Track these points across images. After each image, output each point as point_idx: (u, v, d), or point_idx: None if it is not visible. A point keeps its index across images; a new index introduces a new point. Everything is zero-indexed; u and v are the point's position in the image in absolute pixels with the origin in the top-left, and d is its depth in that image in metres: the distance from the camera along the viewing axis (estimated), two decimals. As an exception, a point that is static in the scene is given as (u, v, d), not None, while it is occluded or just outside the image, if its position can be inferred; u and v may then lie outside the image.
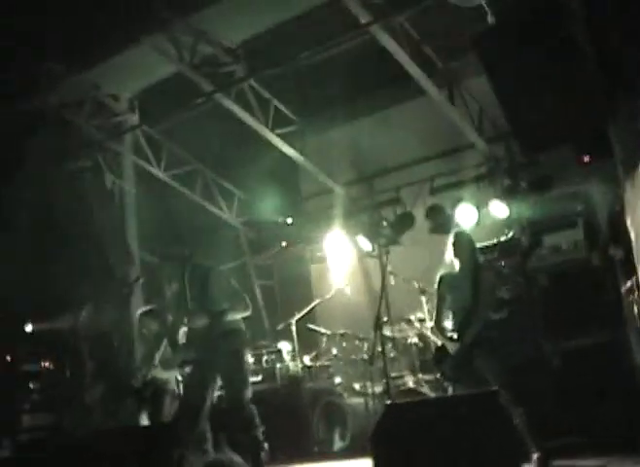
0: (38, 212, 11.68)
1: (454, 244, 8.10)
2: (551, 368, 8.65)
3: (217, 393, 8.00)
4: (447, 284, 8.11)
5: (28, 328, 12.37)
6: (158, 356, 9.47)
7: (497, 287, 7.76)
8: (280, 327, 12.12)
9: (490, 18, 8.59)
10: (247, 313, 7.90)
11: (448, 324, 8.11)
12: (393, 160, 12.91)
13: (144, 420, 9.52)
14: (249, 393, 7.72)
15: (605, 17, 6.92)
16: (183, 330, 8.11)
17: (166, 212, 13.49)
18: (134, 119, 12.74)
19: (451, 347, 7.82)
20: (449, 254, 8.16)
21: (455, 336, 7.82)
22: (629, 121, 7.46)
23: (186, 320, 7.91)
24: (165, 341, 9.38)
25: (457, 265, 8.07)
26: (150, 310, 9.99)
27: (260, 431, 7.66)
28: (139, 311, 10.25)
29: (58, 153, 12.04)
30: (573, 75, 7.36)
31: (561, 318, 8.72)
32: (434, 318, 8.31)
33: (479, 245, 8.66)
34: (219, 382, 7.80)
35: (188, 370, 8.24)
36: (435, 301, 8.42)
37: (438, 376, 8.65)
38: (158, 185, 13.38)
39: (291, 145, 12.51)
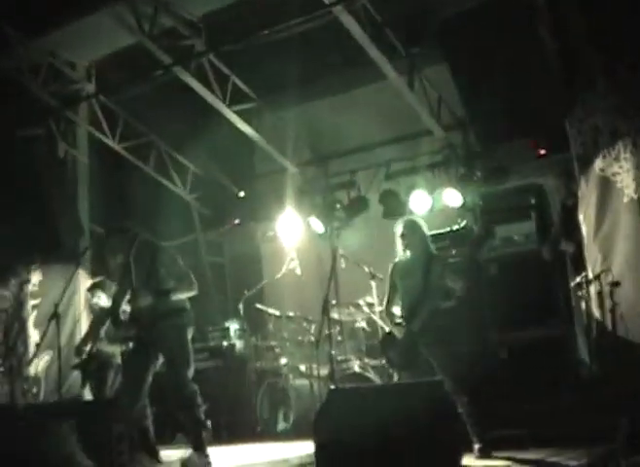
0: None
1: (405, 232, 8.07)
2: (497, 359, 8.72)
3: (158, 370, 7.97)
4: (399, 271, 8.10)
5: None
6: (103, 329, 9.43)
7: (447, 276, 7.75)
8: (228, 305, 12.14)
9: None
10: (193, 293, 7.85)
11: (397, 310, 8.13)
12: (349, 142, 12.89)
13: (87, 394, 9.48)
14: (191, 372, 7.66)
15: (569, 14, 6.95)
16: (125, 306, 8.06)
17: (119, 184, 13.40)
18: (91, 88, 12.59)
19: (399, 334, 7.83)
20: (398, 241, 8.15)
21: (403, 322, 7.83)
22: (586, 116, 7.51)
23: (129, 298, 7.84)
24: (110, 316, 9.37)
25: (408, 252, 8.05)
26: (99, 282, 9.94)
27: (201, 410, 7.63)
28: (89, 283, 10.20)
29: (11, 119, 11.86)
30: (534, 68, 7.40)
31: (509, 310, 8.80)
32: (384, 303, 8.30)
33: (430, 233, 8.68)
34: (160, 360, 7.75)
35: (130, 346, 8.18)
36: (385, 286, 8.42)
37: (384, 361, 8.65)
38: (111, 156, 13.25)
39: (247, 122, 12.44)
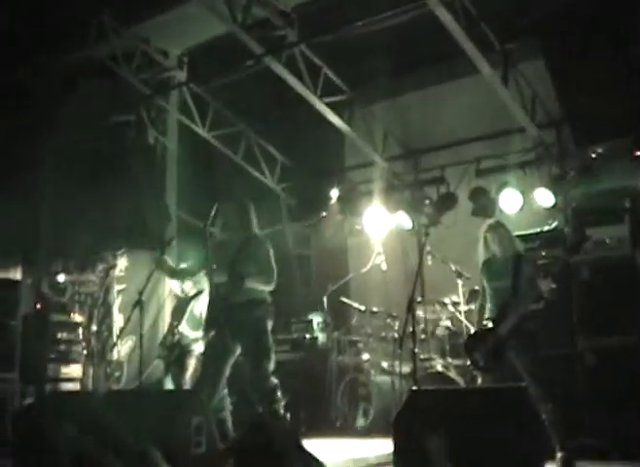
0: (80, 163, 11.67)
1: (491, 236, 7.94)
2: (585, 365, 8.53)
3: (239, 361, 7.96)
4: (487, 272, 8.00)
5: (60, 278, 12.38)
6: (187, 315, 9.48)
7: (537, 278, 7.60)
8: (313, 297, 12.11)
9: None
10: (269, 288, 7.84)
11: (488, 311, 8.01)
12: (440, 138, 12.74)
13: (169, 382, 9.52)
14: (271, 365, 7.67)
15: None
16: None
17: (207, 173, 13.44)
18: (182, 76, 12.67)
19: (486, 336, 7.71)
20: (481, 244, 8.04)
21: (491, 324, 7.70)
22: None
23: (206, 273, 7.90)
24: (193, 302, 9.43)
25: (496, 253, 7.93)
26: (184, 269, 9.99)
27: (280, 405, 7.62)
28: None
29: (104, 105, 11.98)
30: (634, 66, 7.19)
31: (599, 315, 8.58)
32: (477, 303, 8.20)
33: (520, 233, 8.51)
34: (239, 351, 7.74)
35: (211, 335, 8.19)
36: (472, 286, 8.31)
37: (467, 362, 8.52)
38: (200, 145, 13.29)
39: (338, 114, 12.33)
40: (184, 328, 9.50)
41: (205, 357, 8.35)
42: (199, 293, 9.40)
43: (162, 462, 5.13)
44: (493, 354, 7.57)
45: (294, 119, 12.92)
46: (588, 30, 8.00)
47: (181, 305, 9.82)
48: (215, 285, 7.99)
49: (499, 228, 8.00)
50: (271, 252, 7.90)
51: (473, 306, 9.27)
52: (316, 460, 5.88)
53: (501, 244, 7.86)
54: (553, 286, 7.57)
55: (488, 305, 7.98)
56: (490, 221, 8.28)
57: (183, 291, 9.82)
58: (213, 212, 8.02)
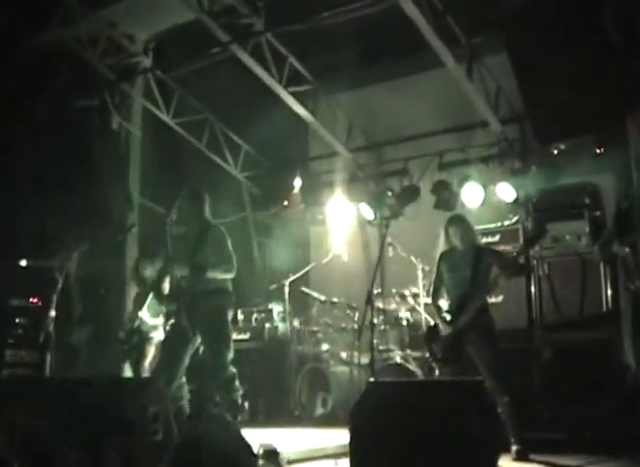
0: (41, 147, 11.57)
1: (452, 228, 7.99)
2: (541, 359, 8.61)
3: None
4: (447, 262, 8.03)
5: (22, 263, 12.28)
6: (147, 302, 9.46)
7: (495, 272, 7.65)
8: (273, 287, 12.10)
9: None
10: (229, 276, 7.84)
11: (443, 304, 8.05)
12: (404, 130, 12.74)
13: (127, 369, 9.49)
14: (230, 354, 7.68)
15: (636, 8, 6.77)
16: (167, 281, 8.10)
17: (171, 160, 13.37)
18: (147, 62, 12.57)
19: (444, 328, 7.75)
20: (442, 237, 8.08)
21: (449, 317, 7.74)
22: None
23: (167, 267, 7.88)
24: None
25: (457, 245, 7.97)
26: (145, 255, 9.97)
27: (239, 394, 7.63)
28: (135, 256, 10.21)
29: (67, 89, 11.87)
30: (598, 63, 7.23)
31: (556, 310, 8.66)
32: (431, 295, 8.24)
33: (482, 227, 8.56)
34: (199, 340, 7.74)
35: (171, 322, 8.20)
36: (433, 277, 8.34)
37: (427, 354, 8.57)
38: (164, 132, 13.23)
39: (303, 104, 12.35)
40: (144, 315, 9.48)
41: (165, 345, 8.34)
42: (161, 280, 9.37)
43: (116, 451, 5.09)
44: (451, 347, 7.63)
45: (259, 107, 12.88)
46: (553, 25, 8.03)
47: (142, 291, 9.79)
48: (175, 276, 7.98)
49: (461, 221, 8.04)
50: (229, 240, 7.89)
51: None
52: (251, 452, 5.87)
53: (462, 237, 7.90)
54: (511, 281, 7.63)
55: (446, 297, 8.03)
56: (452, 214, 8.33)
57: (145, 278, 9.80)
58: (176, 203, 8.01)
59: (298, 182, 13.37)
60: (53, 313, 9.14)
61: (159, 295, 9.35)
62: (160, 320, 9.45)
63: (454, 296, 7.86)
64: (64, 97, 11.87)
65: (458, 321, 7.60)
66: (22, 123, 11.22)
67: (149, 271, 9.76)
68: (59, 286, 9.32)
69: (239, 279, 8.02)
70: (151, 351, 9.48)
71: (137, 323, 9.46)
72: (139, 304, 9.59)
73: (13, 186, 11.13)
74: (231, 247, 7.87)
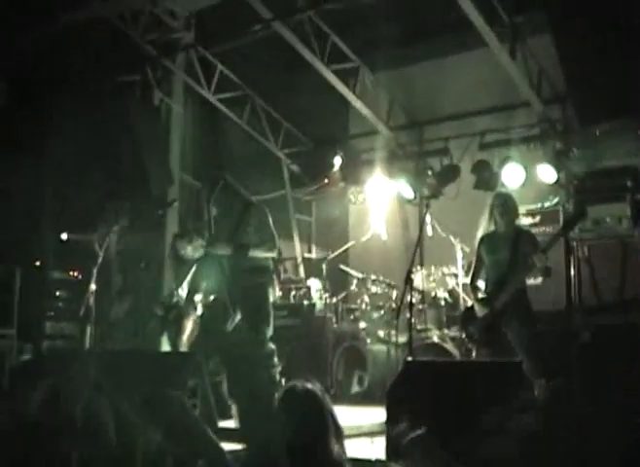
0: (84, 122, 11.63)
1: (497, 205, 7.98)
2: (580, 342, 8.57)
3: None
4: (487, 245, 8.02)
5: (63, 236, 12.40)
6: (187, 280, 9.50)
7: (536, 254, 7.62)
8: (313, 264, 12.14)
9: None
10: (272, 255, 7.89)
11: (482, 285, 8.05)
12: (446, 109, 12.70)
13: (165, 343, 9.56)
14: (269, 331, 7.73)
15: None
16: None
17: (211, 136, 13.42)
18: (190, 37, 12.59)
19: (481, 309, 7.76)
20: (487, 213, 8.07)
21: (486, 298, 7.75)
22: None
23: (209, 246, 7.91)
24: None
25: (498, 225, 7.96)
26: (184, 233, 10.00)
27: (277, 370, 7.68)
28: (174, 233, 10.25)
29: (110, 65, 11.93)
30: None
31: (597, 292, 8.63)
32: (470, 277, 8.26)
33: (522, 208, 8.55)
34: (239, 316, 7.79)
35: (211, 299, 8.26)
36: (471, 258, 8.35)
37: (463, 335, 8.56)
38: (205, 108, 13.28)
39: (344, 82, 12.33)
40: (184, 290, 9.53)
41: (204, 319, 8.41)
42: (202, 257, 9.41)
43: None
44: (488, 328, 7.64)
45: (300, 85, 12.89)
46: (598, 5, 7.95)
47: (183, 267, 9.84)
48: (218, 255, 8.02)
49: (507, 198, 8.03)
50: (270, 218, 7.93)
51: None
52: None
53: (505, 216, 7.87)
54: (548, 265, 7.59)
55: (484, 279, 8.02)
56: (500, 190, 8.31)
57: (185, 254, 9.84)
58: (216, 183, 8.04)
59: (338, 160, 13.36)
60: (93, 287, 9.21)
61: (199, 272, 9.40)
62: (200, 296, 9.49)
63: (493, 277, 7.86)
64: (107, 73, 11.94)
65: (496, 302, 7.60)
66: (66, 97, 11.30)
67: (189, 250, 9.79)
68: (100, 260, 9.38)
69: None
70: (189, 326, 9.53)
71: (176, 298, 9.51)
72: (179, 279, 9.64)
73: (55, 160, 11.23)
74: (272, 226, 7.92)
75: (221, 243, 7.82)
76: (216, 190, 7.98)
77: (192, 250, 9.57)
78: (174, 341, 9.43)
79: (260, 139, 13.98)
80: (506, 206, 7.95)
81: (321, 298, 11.73)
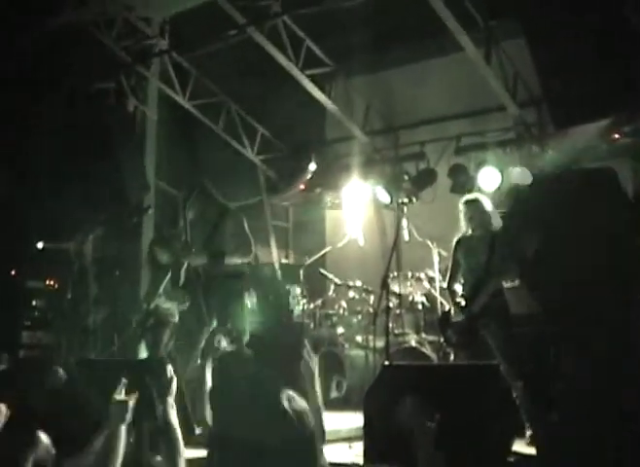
0: (58, 129, 11.59)
1: (467, 212, 8.00)
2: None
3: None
4: (463, 248, 8.04)
5: (39, 245, 12.35)
6: (162, 286, 9.47)
7: (511, 256, 7.64)
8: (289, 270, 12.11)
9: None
10: (247, 260, 7.87)
11: (459, 288, 8.06)
12: (422, 114, 12.75)
13: (143, 351, 9.52)
14: (245, 337, 7.67)
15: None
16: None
17: (186, 143, 13.38)
18: (164, 44, 12.55)
19: (458, 313, 7.77)
20: (462, 217, 8.08)
21: (463, 302, 7.76)
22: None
23: (184, 256, 7.88)
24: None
25: (473, 229, 7.98)
26: (161, 239, 9.96)
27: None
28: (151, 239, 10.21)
29: (84, 72, 11.88)
30: (618, 48, 7.19)
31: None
32: (447, 281, 8.26)
33: (498, 211, 8.56)
34: (215, 323, 7.77)
35: (186, 306, 8.23)
36: (448, 262, 8.36)
37: (441, 339, 8.58)
38: (180, 114, 13.24)
39: (320, 87, 12.36)
40: (160, 298, 9.49)
41: (181, 328, 8.39)
42: (177, 265, 9.38)
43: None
44: (466, 331, 7.65)
45: (275, 90, 12.88)
46: (571, 8, 7.99)
47: (159, 274, 9.80)
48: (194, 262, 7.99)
49: (477, 202, 8.04)
50: (247, 225, 7.92)
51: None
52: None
53: (476, 220, 7.89)
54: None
55: (461, 282, 8.04)
56: (468, 195, 8.33)
57: (162, 260, 9.81)
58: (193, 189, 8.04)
59: (314, 165, 13.38)
60: (69, 295, 9.16)
61: (176, 279, 9.36)
62: (175, 305, 9.46)
63: (470, 281, 7.88)
64: (81, 80, 11.90)
65: (473, 306, 7.61)
66: (38, 106, 11.25)
67: (165, 257, 9.76)
68: (75, 268, 9.33)
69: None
70: (166, 334, 9.49)
71: (153, 306, 9.47)
72: (155, 287, 9.61)
73: (28, 168, 11.17)
74: (249, 232, 7.91)
75: (196, 253, 7.80)
76: (192, 196, 7.96)
77: (168, 257, 9.56)
78: (152, 348, 9.39)
79: (235, 145, 13.94)
80: (476, 211, 7.97)
81: (298, 303, 11.70)
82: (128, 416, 4.45)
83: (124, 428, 4.42)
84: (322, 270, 11.69)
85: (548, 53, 7.67)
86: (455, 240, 8.18)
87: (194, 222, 7.98)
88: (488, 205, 8.05)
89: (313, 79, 12.16)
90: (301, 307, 11.57)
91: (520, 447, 6.89)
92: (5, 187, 11.19)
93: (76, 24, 11.55)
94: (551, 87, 7.66)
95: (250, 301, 8.00)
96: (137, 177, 11.83)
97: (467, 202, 8.11)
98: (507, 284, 8.08)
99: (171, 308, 9.32)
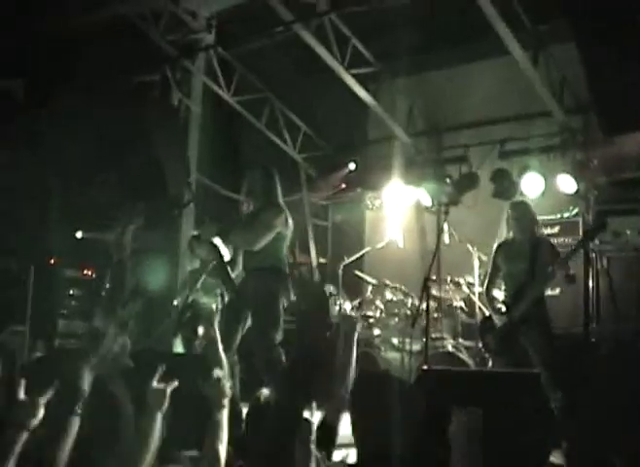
0: (101, 121, 11.62)
1: (514, 214, 7.93)
2: (600, 353, 8.50)
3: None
4: (504, 254, 7.97)
5: (78, 235, 12.41)
6: (201, 281, 9.45)
7: (554, 264, 7.55)
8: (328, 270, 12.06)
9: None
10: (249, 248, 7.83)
11: (499, 294, 7.99)
12: (466, 116, 12.63)
13: (179, 345, 9.50)
14: (278, 336, 7.66)
15: None
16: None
17: (229, 138, 13.39)
18: (210, 38, 12.55)
19: (498, 319, 7.69)
20: (505, 222, 8.02)
21: (504, 308, 7.68)
22: None
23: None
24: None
25: (515, 235, 7.90)
26: (199, 234, 9.95)
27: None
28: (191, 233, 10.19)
29: (129, 65, 11.90)
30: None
31: (615, 305, 8.56)
32: (484, 286, 8.20)
33: (541, 218, 8.47)
34: (249, 320, 7.76)
35: (224, 300, 8.21)
36: (488, 267, 8.29)
37: (480, 345, 8.50)
38: (224, 110, 13.24)
39: (364, 87, 12.28)
40: (197, 292, 9.48)
41: (218, 323, 8.35)
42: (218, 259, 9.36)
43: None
44: (505, 338, 7.57)
45: (319, 89, 12.85)
46: (624, 11, 7.89)
47: (197, 269, 9.79)
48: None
49: (524, 207, 7.97)
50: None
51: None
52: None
53: (522, 225, 7.82)
54: (572, 272, 7.52)
55: (503, 288, 7.97)
56: (516, 199, 8.27)
57: (200, 255, 9.80)
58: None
59: (354, 165, 13.35)
60: (107, 286, 9.16)
61: (213, 274, 9.34)
62: (213, 299, 9.43)
63: (510, 287, 7.82)
64: (126, 72, 11.92)
65: (513, 312, 7.53)
66: (84, 96, 11.28)
67: (204, 252, 9.74)
68: (114, 259, 9.32)
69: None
70: (202, 329, 9.47)
71: (190, 300, 9.45)
72: (193, 281, 9.59)
73: (71, 158, 11.21)
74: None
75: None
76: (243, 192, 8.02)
77: (207, 252, 9.53)
78: (188, 342, 9.38)
79: (278, 142, 13.91)
80: (523, 215, 7.89)
81: (335, 303, 11.64)
82: (165, 404, 4.44)
83: (159, 416, 4.40)
84: (358, 272, 11.64)
85: (598, 58, 7.56)
86: (496, 245, 8.11)
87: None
88: (534, 211, 7.98)
89: (358, 78, 12.07)
90: (337, 308, 11.51)
91: (557, 458, 6.81)
92: (48, 177, 11.25)
93: (122, 17, 11.58)
94: (601, 92, 7.55)
95: (286, 298, 7.94)
96: (178, 170, 11.85)
97: (515, 205, 8.06)
98: (548, 292, 8.00)
99: (208, 303, 9.30)
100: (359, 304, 11.66)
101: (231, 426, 4.80)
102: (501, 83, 11.76)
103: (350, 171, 13.45)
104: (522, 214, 7.92)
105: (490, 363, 8.13)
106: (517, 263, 7.78)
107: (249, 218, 7.92)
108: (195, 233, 9.75)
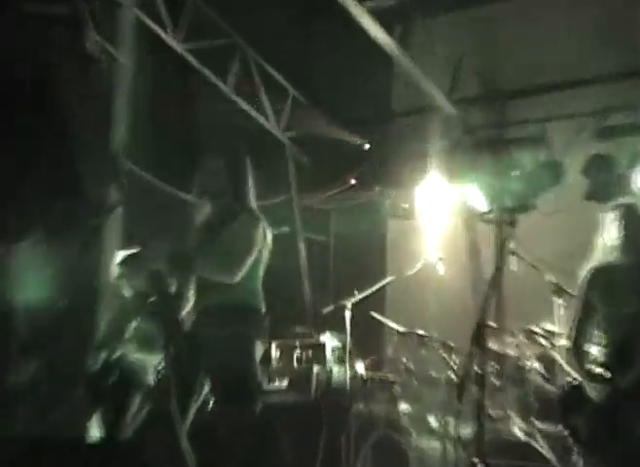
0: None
1: (620, 224, 7.72)
2: None
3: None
4: (603, 285, 7.74)
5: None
6: (132, 327, 9.37)
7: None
8: (328, 309, 11.89)
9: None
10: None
11: (595, 350, 7.76)
12: (542, 75, 12.56)
13: (94, 425, 9.37)
14: (258, 406, 7.49)
15: None
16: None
17: (177, 107, 13.23)
18: (147, -45, 12.45)
19: (594, 389, 7.48)
20: (607, 231, 7.81)
21: (603, 372, 7.46)
22: None
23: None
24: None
25: (620, 256, 7.68)
26: (134, 255, 9.87)
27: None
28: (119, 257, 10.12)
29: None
30: None
31: None
32: (572, 336, 7.98)
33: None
34: (206, 390, 7.59)
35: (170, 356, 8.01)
36: (577, 307, 8.09)
37: (565, 431, 8.29)
38: (168, 63, 13.05)
39: (386, 28, 12.04)
40: (127, 346, 9.38)
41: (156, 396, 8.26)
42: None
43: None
44: (605, 420, 7.36)
45: (316, 31, 12.71)
46: None
47: (126, 306, 9.70)
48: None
49: (633, 212, 7.76)
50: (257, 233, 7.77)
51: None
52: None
53: (630, 239, 7.61)
54: None
55: (599, 339, 7.75)
56: (622, 201, 8.07)
57: (129, 289, 9.72)
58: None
59: (371, 150, 13.25)
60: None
61: (151, 316, 9.20)
62: (155, 355, 9.26)
63: (613, 339, 7.59)
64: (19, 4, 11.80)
65: (620, 379, 7.32)
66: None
67: (136, 280, 9.65)
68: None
69: (275, 296, 7.82)
70: (135, 401, 9.36)
71: (115, 357, 9.35)
72: (119, 328, 9.49)
73: None
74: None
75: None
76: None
77: (142, 281, 9.47)
78: (112, 421, 9.35)
79: (252, 114, 13.72)
80: (632, 225, 7.68)
81: (340, 362, 11.51)
82: None
83: None
84: (375, 314, 11.50)
85: None
86: (590, 273, 7.89)
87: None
88: None
89: (375, 14, 11.82)
90: (343, 368, 11.38)
91: None
92: None
93: None
94: None
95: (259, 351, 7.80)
96: (100, 157, 11.72)
97: (620, 208, 7.82)
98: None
99: (145, 361, 9.24)
100: (376, 362, 11.54)
101: None
102: (596, 23, 11.65)
103: (363, 158, 13.32)
104: (631, 223, 7.70)
105: (578, 459, 7.93)
106: (624, 300, 7.57)
107: (213, 234, 7.70)
108: (127, 253, 9.72)
